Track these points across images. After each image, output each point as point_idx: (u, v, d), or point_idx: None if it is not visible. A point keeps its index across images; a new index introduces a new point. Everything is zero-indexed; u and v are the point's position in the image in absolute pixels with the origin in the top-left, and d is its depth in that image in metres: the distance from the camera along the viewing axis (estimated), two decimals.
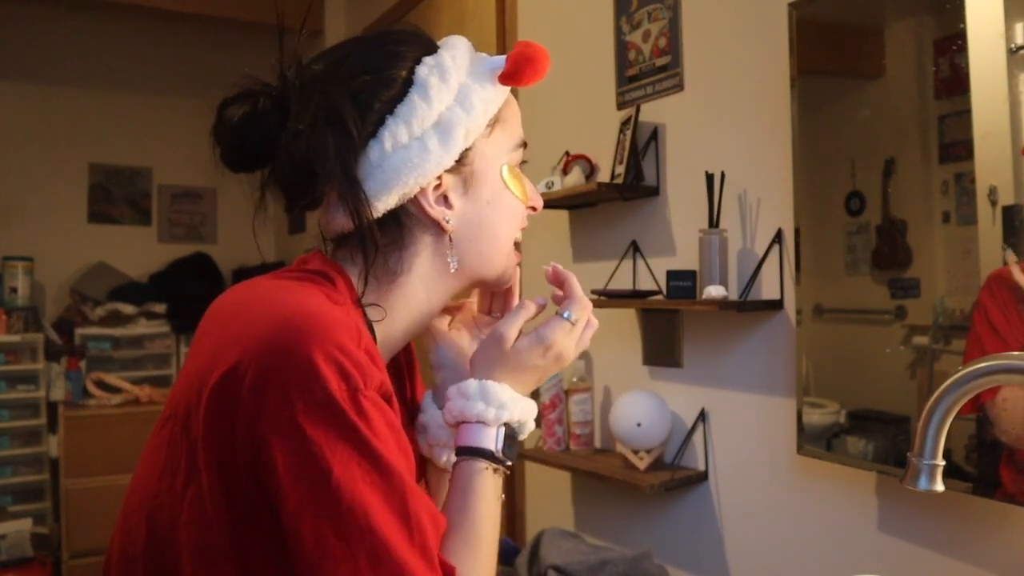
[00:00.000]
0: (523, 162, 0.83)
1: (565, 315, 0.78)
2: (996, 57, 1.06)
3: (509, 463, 0.75)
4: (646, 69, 1.75)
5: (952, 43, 1.11)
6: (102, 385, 3.61)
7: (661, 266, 1.68)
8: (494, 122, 0.77)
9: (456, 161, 0.74)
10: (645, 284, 1.73)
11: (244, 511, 0.62)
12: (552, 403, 1.84)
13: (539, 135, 2.10)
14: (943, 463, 0.74)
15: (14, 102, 4.06)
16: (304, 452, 0.59)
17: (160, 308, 3.97)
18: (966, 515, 1.15)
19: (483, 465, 0.73)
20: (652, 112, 1.72)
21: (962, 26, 1.09)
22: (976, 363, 0.71)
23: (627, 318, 1.80)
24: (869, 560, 1.28)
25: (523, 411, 0.76)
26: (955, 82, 1.11)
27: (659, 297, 1.63)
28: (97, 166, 4.33)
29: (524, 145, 0.81)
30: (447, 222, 0.75)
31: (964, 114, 1.09)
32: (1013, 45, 1.04)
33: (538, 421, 1.97)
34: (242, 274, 4.20)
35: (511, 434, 0.75)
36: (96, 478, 3.26)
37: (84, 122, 4.22)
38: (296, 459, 0.59)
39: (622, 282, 1.79)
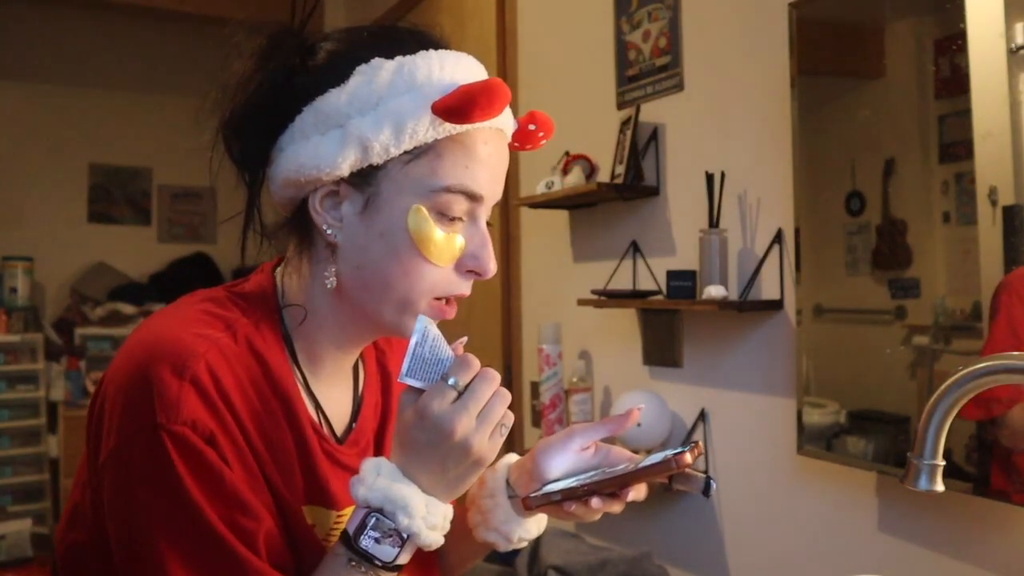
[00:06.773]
0: (488, 224, 0.72)
1: (450, 381, 0.64)
2: (996, 57, 1.06)
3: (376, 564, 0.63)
4: (646, 69, 1.75)
5: (952, 43, 1.11)
6: None
7: (661, 266, 1.68)
8: (422, 152, 0.66)
9: (357, 175, 0.67)
10: (645, 284, 1.73)
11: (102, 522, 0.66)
12: (552, 403, 1.84)
13: None
14: (943, 463, 0.74)
15: (14, 102, 4.06)
16: (119, 485, 0.63)
17: (160, 308, 3.97)
18: (966, 515, 1.15)
19: (341, 552, 0.65)
20: (652, 112, 1.72)
21: (962, 26, 1.09)
22: (976, 363, 0.71)
23: (627, 318, 1.80)
24: (869, 560, 1.28)
25: (394, 502, 0.62)
26: (955, 82, 1.10)
27: (659, 297, 1.63)
28: (97, 166, 4.33)
29: (470, 196, 0.68)
30: (328, 231, 0.69)
31: (964, 114, 1.09)
32: (1013, 45, 1.04)
33: (538, 421, 1.97)
34: (242, 274, 4.19)
35: (387, 530, 0.63)
36: None
37: (84, 122, 4.23)
38: (114, 492, 0.63)
39: (622, 282, 1.79)
